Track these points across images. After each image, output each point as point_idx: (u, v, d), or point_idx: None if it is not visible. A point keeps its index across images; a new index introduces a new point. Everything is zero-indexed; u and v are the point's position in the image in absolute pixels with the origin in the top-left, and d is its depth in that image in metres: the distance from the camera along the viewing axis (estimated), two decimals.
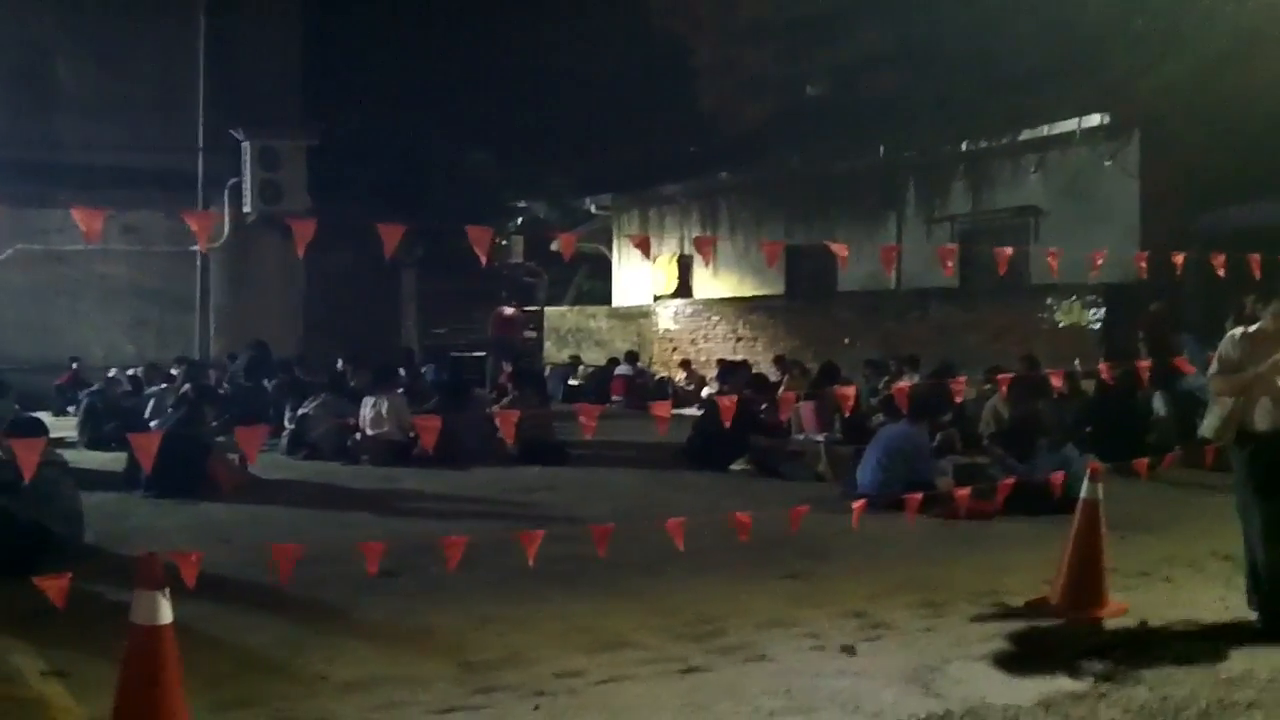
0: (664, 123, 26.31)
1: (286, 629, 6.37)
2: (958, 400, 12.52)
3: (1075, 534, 7.04)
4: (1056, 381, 10.62)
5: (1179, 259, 9.61)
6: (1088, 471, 7.18)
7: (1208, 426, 6.63)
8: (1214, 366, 6.53)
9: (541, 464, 12.64)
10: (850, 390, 9.63)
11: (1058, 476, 8.74)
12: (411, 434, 12.89)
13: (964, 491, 9.15)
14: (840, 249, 8.56)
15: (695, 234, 26.04)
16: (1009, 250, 8.99)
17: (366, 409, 13.23)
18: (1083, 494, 7.12)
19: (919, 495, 8.86)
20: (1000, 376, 14.03)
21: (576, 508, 10.12)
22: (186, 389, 12.50)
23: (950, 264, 8.76)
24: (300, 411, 13.68)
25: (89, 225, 5.01)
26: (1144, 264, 10.18)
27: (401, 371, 17.85)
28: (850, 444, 12.48)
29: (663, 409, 7.93)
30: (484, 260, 6.15)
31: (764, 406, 12.90)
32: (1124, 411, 12.77)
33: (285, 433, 13.66)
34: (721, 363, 17.75)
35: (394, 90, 24.56)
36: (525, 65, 27.38)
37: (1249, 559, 6.56)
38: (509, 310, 24.80)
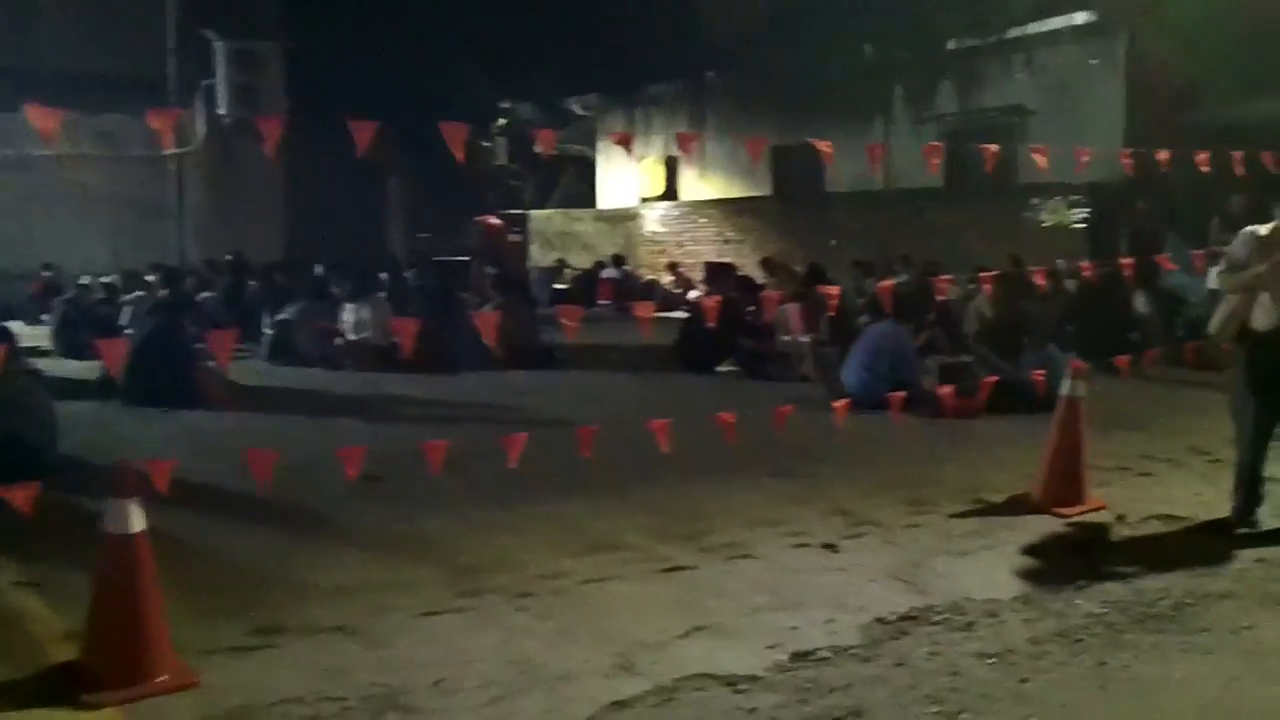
0: (650, 22, 25.89)
1: (270, 537, 6.35)
2: (941, 299, 12.65)
3: (1056, 431, 7.10)
4: (1039, 280, 10.64)
5: (1164, 157, 9.54)
6: (1070, 369, 7.21)
7: (1214, 324, 6.64)
8: (1223, 264, 6.54)
9: (529, 368, 12.64)
10: (835, 290, 9.65)
11: (1041, 375, 8.78)
12: (395, 339, 12.87)
13: (948, 390, 9.20)
14: (826, 146, 8.42)
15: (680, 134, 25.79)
16: (995, 148, 8.93)
17: (348, 314, 13.19)
18: (1063, 391, 7.16)
19: (903, 395, 8.94)
20: (983, 275, 14.11)
21: (566, 411, 10.13)
22: (163, 295, 12.40)
23: (936, 162, 8.60)
24: (280, 318, 13.61)
25: (44, 125, 4.84)
26: (1128, 162, 10.12)
27: (385, 277, 17.79)
28: (836, 345, 12.52)
29: (646, 310, 7.89)
30: (459, 157, 5.98)
31: (750, 308, 12.87)
32: (1107, 310, 12.80)
33: (265, 339, 13.59)
34: (708, 265, 17.70)
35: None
36: None
37: (1239, 452, 6.61)
38: (492, 216, 24.61)
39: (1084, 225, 17.56)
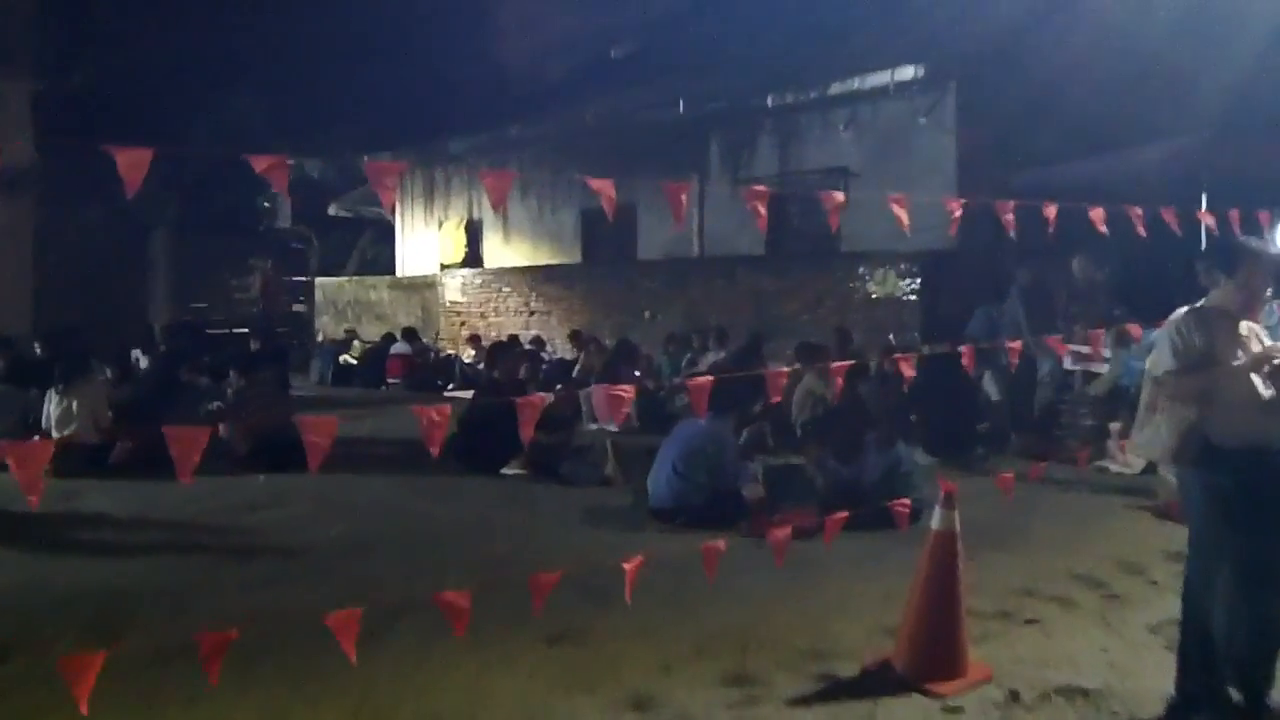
0: (453, 77, 24.03)
1: None
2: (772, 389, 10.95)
3: (924, 579, 5.31)
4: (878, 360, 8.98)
5: (1006, 216, 7.86)
6: (940, 493, 5.41)
7: (1153, 441, 4.84)
8: (1167, 359, 4.74)
9: (275, 469, 10.36)
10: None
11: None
12: (111, 435, 10.58)
13: (787, 526, 7.39)
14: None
15: (483, 197, 23.91)
16: (839, 198, 7.23)
17: (51, 404, 10.77)
18: (935, 523, 5.38)
19: (723, 510, 7.19)
20: (807, 349, 12.52)
21: (301, 531, 7.99)
22: None
23: (761, 212, 6.86)
24: None
25: None
26: (957, 218, 8.42)
27: (138, 355, 15.34)
28: (649, 434, 10.69)
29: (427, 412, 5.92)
30: (281, 189, 4.65)
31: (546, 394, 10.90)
32: (952, 395, 11.10)
33: None
34: (492, 344, 15.54)
35: (145, 29, 21.57)
36: (297, 11, 24.72)
37: (1190, 615, 4.83)
38: (261, 280, 22.29)
39: (915, 296, 16.17)
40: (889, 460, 8.10)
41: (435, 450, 4.65)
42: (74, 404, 10.64)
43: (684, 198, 5.70)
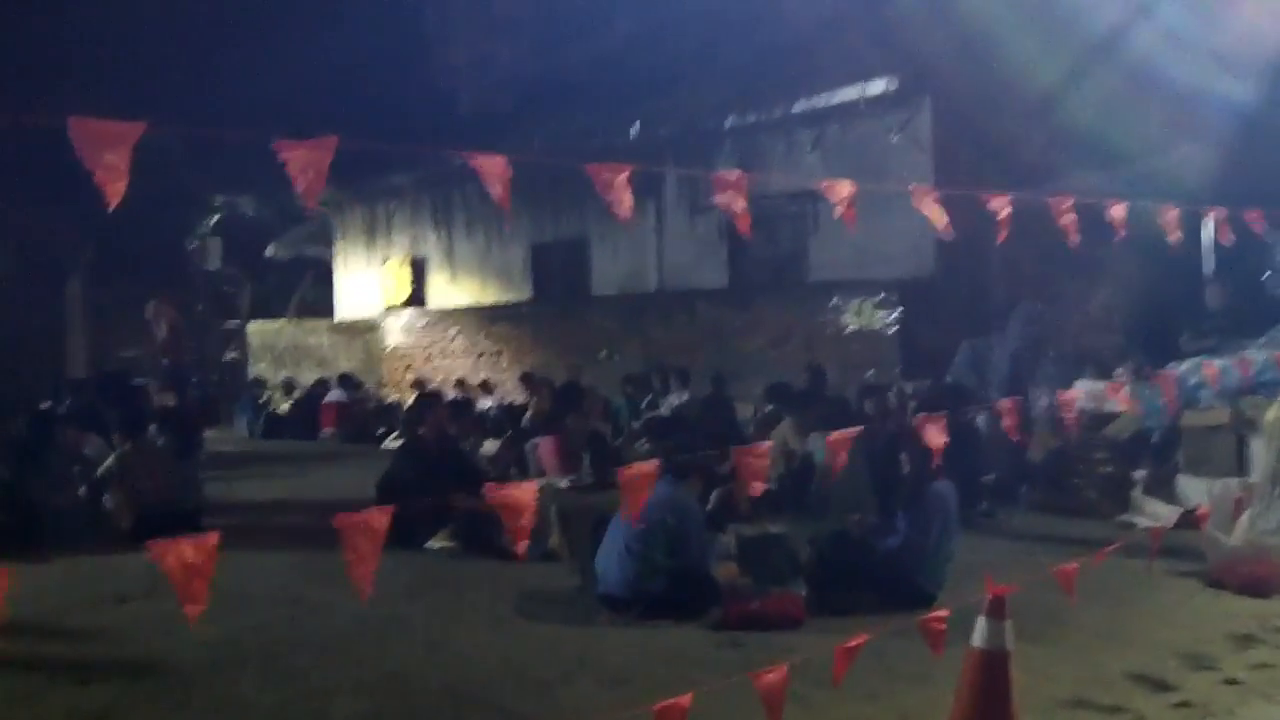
0: (395, 106, 22.57)
1: None
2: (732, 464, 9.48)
3: (966, 713, 3.86)
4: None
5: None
6: (987, 599, 3.96)
7: None
8: None
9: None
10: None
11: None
12: None
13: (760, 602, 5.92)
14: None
15: (428, 232, 22.47)
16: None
17: None
18: (978, 639, 3.93)
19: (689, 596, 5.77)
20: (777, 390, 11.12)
21: (166, 635, 6.39)
22: None
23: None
24: None
25: None
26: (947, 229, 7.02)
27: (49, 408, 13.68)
28: (605, 490, 9.23)
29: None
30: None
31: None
32: (952, 443, 9.62)
33: None
34: (417, 396, 13.92)
35: (54, 53, 20.02)
36: (229, 38, 23.30)
37: None
38: (166, 324, 20.58)
39: (895, 329, 14.80)
40: (919, 523, 6.59)
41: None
42: None
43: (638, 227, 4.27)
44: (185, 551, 2.91)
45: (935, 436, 5.24)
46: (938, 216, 5.28)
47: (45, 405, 12.01)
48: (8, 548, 8.50)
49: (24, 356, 18.73)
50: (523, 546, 3.76)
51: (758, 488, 4.23)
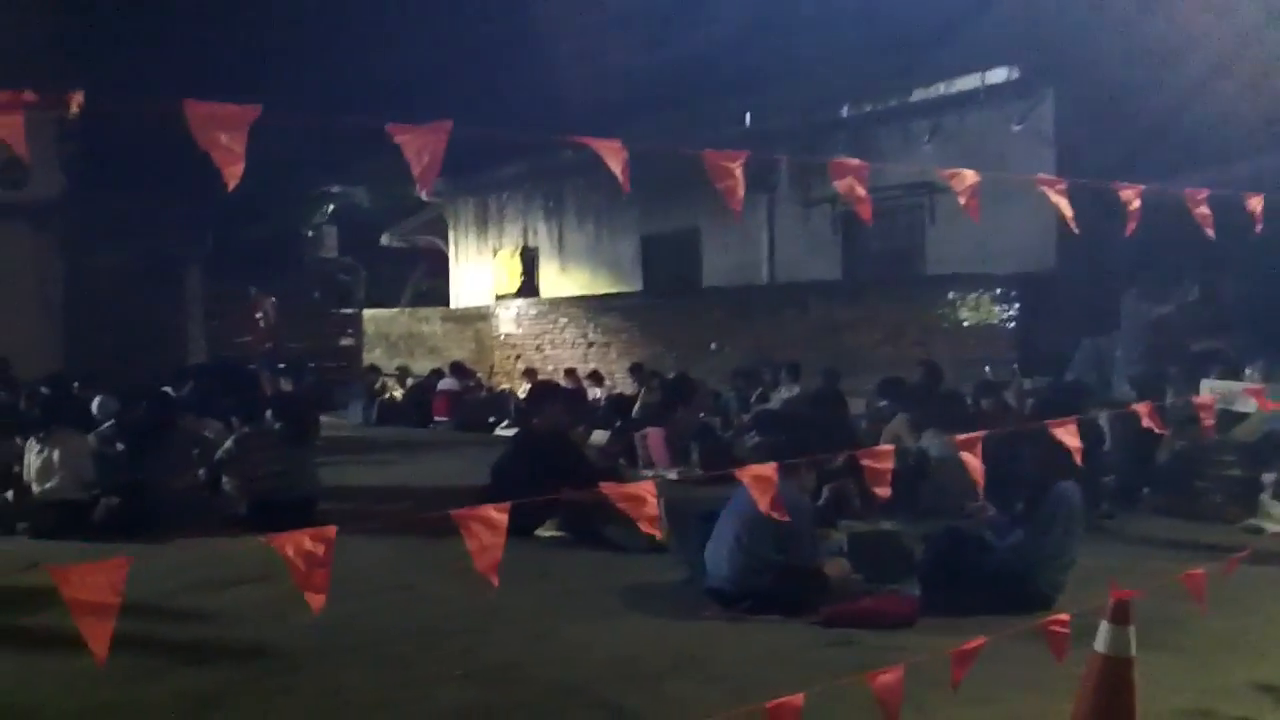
0: (505, 101, 22.76)
1: None
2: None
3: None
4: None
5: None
6: (1110, 603, 3.81)
7: None
8: None
9: (275, 526, 8.78)
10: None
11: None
12: (95, 491, 9.25)
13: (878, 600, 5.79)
14: None
15: (539, 223, 22.61)
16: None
17: (31, 455, 9.44)
18: (1101, 644, 3.78)
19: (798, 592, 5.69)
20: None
21: (276, 620, 6.45)
22: None
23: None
24: None
25: None
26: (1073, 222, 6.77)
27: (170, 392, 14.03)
28: (713, 484, 9.13)
29: None
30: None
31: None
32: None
33: None
34: (532, 385, 13.96)
35: (171, 49, 20.49)
36: (346, 39, 23.65)
37: None
38: (256, 312, 20.90)
39: (1012, 324, 14.50)
40: (1040, 524, 6.39)
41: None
42: (55, 455, 9.28)
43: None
44: (305, 543, 2.90)
45: (1058, 436, 5.03)
46: (1064, 208, 5.07)
47: (164, 391, 12.24)
48: (128, 530, 8.79)
49: (146, 344, 19.22)
50: (651, 538, 3.72)
51: (883, 492, 4.10)
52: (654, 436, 11.85)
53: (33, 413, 10.28)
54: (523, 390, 17.99)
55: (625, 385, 17.88)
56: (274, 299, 18.70)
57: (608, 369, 19.43)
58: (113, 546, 8.33)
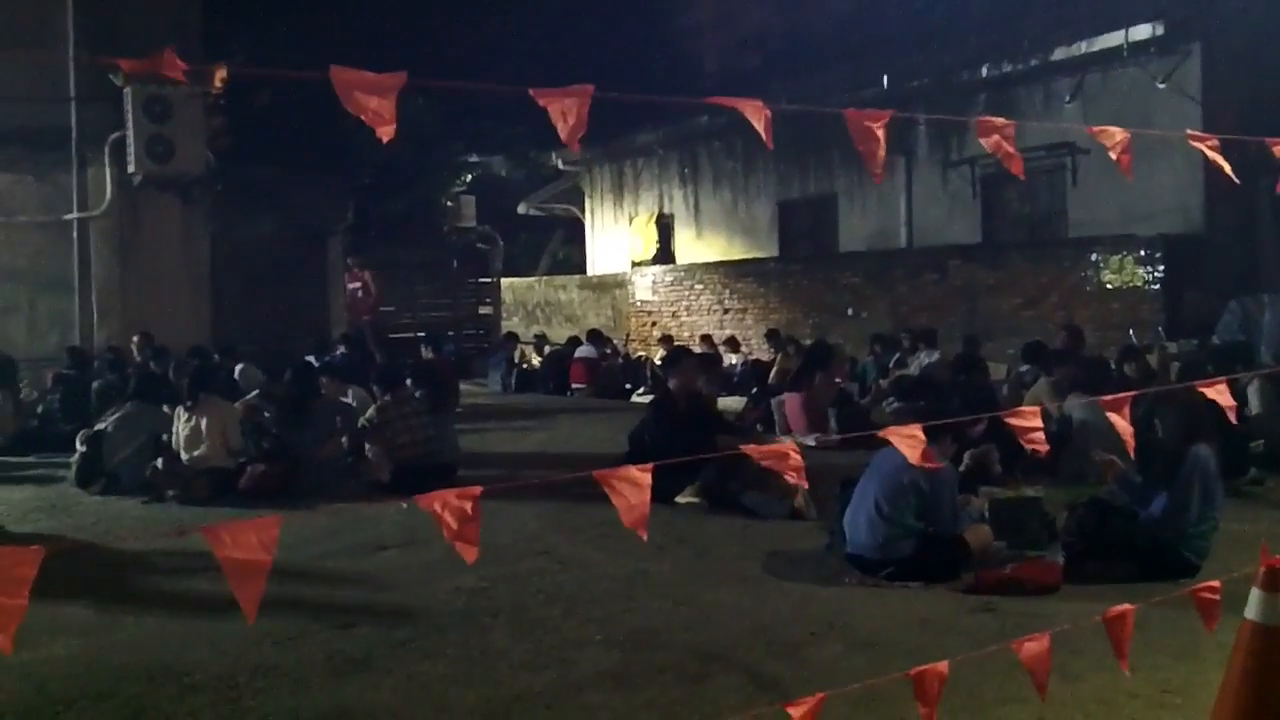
0: (640, 66, 22.82)
1: None
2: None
3: (1237, 691, 3.68)
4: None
5: None
6: (1261, 570, 3.76)
7: None
8: None
9: (423, 488, 9.01)
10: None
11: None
12: (241, 459, 9.62)
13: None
14: None
15: (674, 190, 22.66)
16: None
17: (179, 423, 9.83)
18: (1252, 611, 3.74)
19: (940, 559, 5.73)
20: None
21: (423, 583, 6.69)
22: None
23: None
24: (98, 427, 10.24)
25: None
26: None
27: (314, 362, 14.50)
28: (850, 450, 9.12)
29: None
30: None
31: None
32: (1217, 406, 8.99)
33: (75, 456, 10.25)
34: (669, 349, 14.03)
35: (313, 26, 20.98)
36: (479, 10, 23.98)
37: None
38: (354, 283, 21.07)
39: (1157, 287, 14.13)
40: (1181, 490, 6.26)
41: None
42: (202, 424, 9.68)
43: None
44: (453, 500, 3.02)
45: (1208, 395, 4.93)
46: (1220, 163, 4.95)
47: (308, 360, 12.65)
48: (274, 496, 9.13)
49: (292, 315, 19.82)
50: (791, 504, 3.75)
51: (1040, 449, 4.06)
52: (791, 403, 11.84)
53: (181, 382, 10.64)
54: (657, 357, 18.11)
55: (761, 351, 17.89)
56: (370, 274, 19.08)
57: (744, 335, 19.44)
58: (259, 512, 8.63)
